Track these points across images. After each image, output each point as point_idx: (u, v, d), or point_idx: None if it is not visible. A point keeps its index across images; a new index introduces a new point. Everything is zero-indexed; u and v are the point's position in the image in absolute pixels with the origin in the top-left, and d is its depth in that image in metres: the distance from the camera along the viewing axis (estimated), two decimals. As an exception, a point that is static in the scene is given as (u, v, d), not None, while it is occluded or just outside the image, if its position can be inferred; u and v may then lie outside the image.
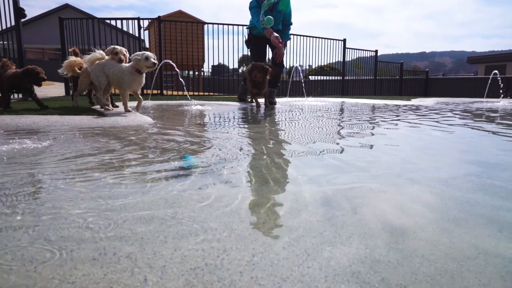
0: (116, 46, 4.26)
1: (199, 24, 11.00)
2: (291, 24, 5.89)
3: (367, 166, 1.86)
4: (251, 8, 5.65)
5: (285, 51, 5.99)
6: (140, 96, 4.25)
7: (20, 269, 0.82)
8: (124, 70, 3.99)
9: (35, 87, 4.42)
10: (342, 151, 2.25)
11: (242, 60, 13.07)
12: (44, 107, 4.38)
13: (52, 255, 0.89)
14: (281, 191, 1.45)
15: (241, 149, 2.22)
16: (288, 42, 10.20)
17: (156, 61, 3.93)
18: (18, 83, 4.25)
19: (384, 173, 1.74)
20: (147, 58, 3.88)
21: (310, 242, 0.99)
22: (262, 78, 5.23)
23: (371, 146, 2.45)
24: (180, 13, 14.81)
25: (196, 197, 1.34)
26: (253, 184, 1.52)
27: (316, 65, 12.19)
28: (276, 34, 5.43)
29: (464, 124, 3.85)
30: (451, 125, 3.71)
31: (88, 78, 4.24)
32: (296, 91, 10.98)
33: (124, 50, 4.28)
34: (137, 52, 3.98)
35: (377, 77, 13.75)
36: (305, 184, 1.52)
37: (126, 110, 4.07)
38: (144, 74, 4.14)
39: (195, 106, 5.59)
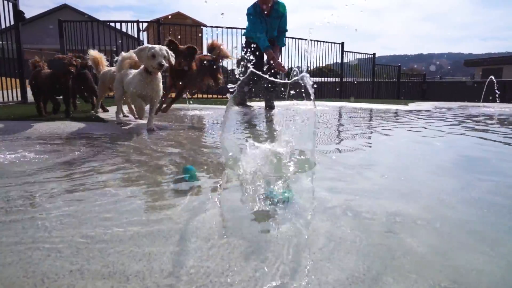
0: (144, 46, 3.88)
1: (198, 26, 11.05)
2: (286, 30, 5.96)
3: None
4: (248, 14, 5.69)
5: (280, 57, 6.05)
6: (155, 108, 3.43)
7: (33, 288, 0.85)
8: (134, 74, 3.28)
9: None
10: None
11: (240, 61, 13.09)
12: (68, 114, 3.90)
13: (63, 273, 0.92)
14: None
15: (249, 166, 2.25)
16: (287, 45, 10.33)
17: (165, 63, 3.01)
18: (53, 82, 3.75)
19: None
20: (154, 56, 2.97)
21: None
22: (188, 65, 3.89)
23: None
24: (179, 15, 14.85)
25: (199, 214, 1.37)
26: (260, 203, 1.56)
27: (314, 67, 12.25)
28: (279, 61, 5.52)
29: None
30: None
31: (104, 83, 4.08)
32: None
33: None
34: (146, 45, 3.11)
35: (375, 80, 13.82)
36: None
37: (138, 118, 3.57)
38: (159, 76, 3.24)
39: (194, 111, 5.61)
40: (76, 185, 1.67)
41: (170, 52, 3.14)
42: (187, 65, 3.84)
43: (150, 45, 3.03)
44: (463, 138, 3.40)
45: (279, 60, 5.70)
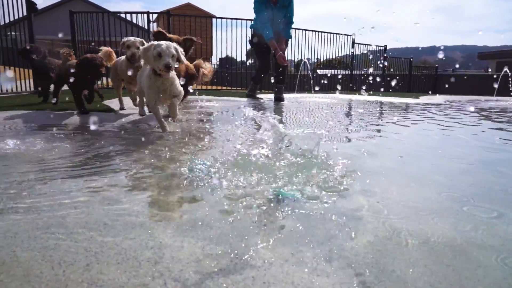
0: (129, 38, 3.59)
1: (208, 18, 11.04)
2: (292, 22, 5.93)
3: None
4: (255, 1, 5.69)
5: (288, 48, 6.04)
6: (176, 111, 2.90)
7: (50, 272, 0.89)
8: (145, 76, 2.83)
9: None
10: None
11: (250, 53, 13.06)
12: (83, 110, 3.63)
13: (78, 258, 0.96)
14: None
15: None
16: (297, 36, 10.29)
17: (172, 64, 2.55)
18: (71, 75, 3.46)
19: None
20: (160, 55, 2.53)
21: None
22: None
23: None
24: (188, 6, 14.83)
25: (207, 202, 1.40)
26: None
27: (324, 59, 12.18)
28: (281, 53, 5.50)
29: None
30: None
31: (115, 74, 3.88)
32: (304, 85, 10.96)
33: (138, 41, 3.47)
34: (152, 42, 2.69)
35: (386, 72, 13.66)
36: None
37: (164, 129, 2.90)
38: (172, 75, 2.74)
39: (205, 102, 5.63)
40: (90, 176, 1.71)
41: (180, 49, 2.68)
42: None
43: (156, 42, 2.60)
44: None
45: (285, 52, 5.70)
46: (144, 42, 3.55)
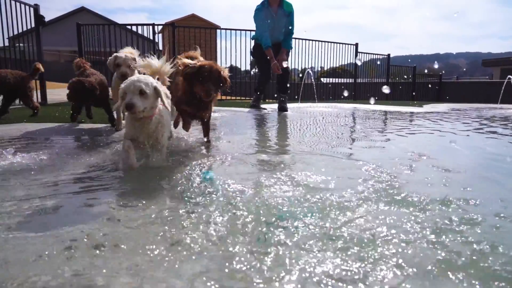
0: (121, 54, 3.12)
1: (212, 29, 11.19)
2: (292, 33, 6.00)
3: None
4: (256, 10, 5.79)
5: (292, 58, 6.11)
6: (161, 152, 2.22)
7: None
8: None
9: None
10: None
11: (254, 62, 13.17)
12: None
13: (84, 265, 1.00)
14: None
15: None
16: (301, 46, 10.39)
17: (138, 104, 1.94)
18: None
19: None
20: (124, 92, 1.99)
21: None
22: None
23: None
24: (193, 17, 15.02)
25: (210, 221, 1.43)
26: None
27: (328, 67, 12.25)
28: (275, 62, 5.59)
29: None
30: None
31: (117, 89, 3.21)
32: (308, 93, 11.02)
33: (129, 59, 3.06)
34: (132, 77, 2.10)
35: (390, 81, 13.66)
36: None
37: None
38: (149, 119, 2.10)
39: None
40: (93, 185, 1.76)
41: (165, 92, 2.16)
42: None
43: (133, 78, 2.05)
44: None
45: (285, 63, 5.77)
46: (137, 59, 3.10)
